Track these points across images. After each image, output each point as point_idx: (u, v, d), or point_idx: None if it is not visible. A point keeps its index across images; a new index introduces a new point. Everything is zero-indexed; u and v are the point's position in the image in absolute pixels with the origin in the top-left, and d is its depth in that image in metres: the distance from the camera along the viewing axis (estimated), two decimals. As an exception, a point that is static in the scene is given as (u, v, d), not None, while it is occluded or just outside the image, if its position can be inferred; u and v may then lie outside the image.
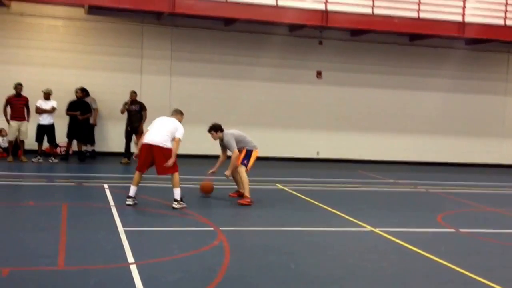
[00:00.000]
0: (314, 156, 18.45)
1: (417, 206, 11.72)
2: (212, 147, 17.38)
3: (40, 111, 14.69)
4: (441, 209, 11.35)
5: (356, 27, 17.02)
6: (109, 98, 16.10)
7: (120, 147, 15.65)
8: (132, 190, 9.76)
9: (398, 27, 16.75)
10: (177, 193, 9.79)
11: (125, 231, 7.96)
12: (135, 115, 15.24)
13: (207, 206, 10.28)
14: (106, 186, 11.51)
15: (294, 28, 17.35)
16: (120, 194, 10.51)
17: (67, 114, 15.12)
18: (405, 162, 18.92)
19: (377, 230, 8.93)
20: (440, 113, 19.36)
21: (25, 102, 14.71)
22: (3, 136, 15.23)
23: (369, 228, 9.10)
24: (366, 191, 13.44)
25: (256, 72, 17.78)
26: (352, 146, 18.73)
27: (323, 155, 18.51)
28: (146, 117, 15.23)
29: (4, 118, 14.75)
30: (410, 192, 13.74)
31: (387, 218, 10.04)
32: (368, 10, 16.39)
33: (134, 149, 15.30)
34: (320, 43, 18.11)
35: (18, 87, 14.64)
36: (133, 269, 6.36)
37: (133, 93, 15.41)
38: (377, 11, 16.42)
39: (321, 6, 16.03)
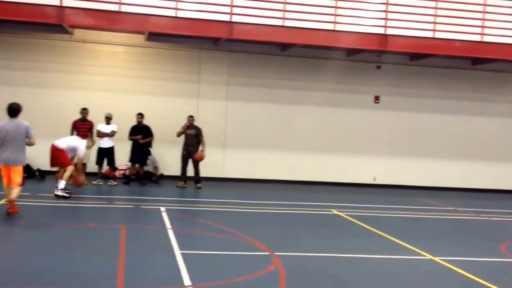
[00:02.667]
0: (371, 181, 18.14)
1: (479, 235, 11.33)
2: (267, 171, 17.49)
3: (101, 134, 15.02)
4: (505, 238, 10.94)
5: (416, 51, 16.75)
6: (166, 122, 16.31)
7: (176, 170, 15.79)
8: None
9: (459, 51, 16.35)
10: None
11: (181, 253, 7.98)
12: (191, 139, 15.39)
13: (262, 230, 10.20)
14: (162, 209, 11.60)
15: (351, 52, 17.23)
16: (176, 217, 10.55)
17: (130, 139, 15.40)
18: (465, 188, 18.37)
19: (436, 259, 8.65)
20: (501, 139, 18.75)
21: (89, 126, 15.07)
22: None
23: (428, 256, 8.84)
24: (425, 218, 13.07)
25: (312, 96, 17.72)
26: (410, 172, 18.33)
27: (380, 180, 18.17)
28: (204, 142, 15.37)
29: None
30: (471, 220, 13.30)
31: (447, 247, 9.74)
32: (429, 34, 16.10)
33: (190, 173, 15.51)
34: (378, 67, 17.92)
35: (84, 112, 15.06)
36: (189, 292, 6.34)
37: (191, 118, 15.58)
38: (437, 35, 16.10)
39: (380, 30, 15.86)
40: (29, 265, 7.13)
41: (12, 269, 6.96)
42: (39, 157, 15.93)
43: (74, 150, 12.67)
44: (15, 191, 9.76)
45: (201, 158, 15.26)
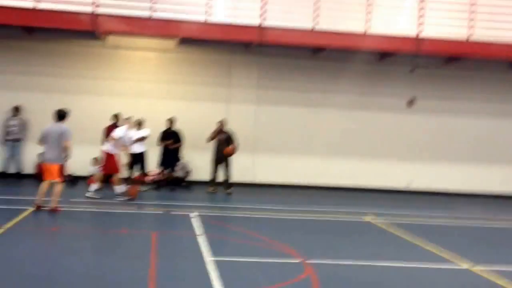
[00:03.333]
0: (405, 187, 17.83)
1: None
2: (298, 175, 17.32)
3: (134, 140, 15.06)
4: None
5: (451, 54, 16.43)
6: (197, 127, 16.29)
7: (206, 175, 15.77)
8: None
9: (496, 53, 15.99)
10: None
11: (212, 260, 7.92)
12: (223, 144, 15.35)
13: (293, 237, 10.07)
14: (192, 214, 11.55)
15: (384, 55, 16.99)
16: (206, 223, 10.49)
17: (160, 144, 15.43)
18: (503, 195, 17.90)
19: (475, 269, 8.42)
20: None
21: (121, 132, 15.18)
22: (97, 165, 15.68)
23: (466, 265, 8.61)
24: (462, 226, 12.75)
25: (344, 100, 17.50)
26: (445, 177, 17.94)
27: (414, 186, 17.85)
28: (236, 146, 15.33)
29: (99, 148, 15.21)
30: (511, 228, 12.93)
31: (486, 256, 9.46)
32: (464, 36, 15.76)
33: (221, 177, 15.47)
34: (412, 70, 17.59)
35: (116, 117, 15.19)
36: (220, 300, 6.28)
37: (221, 122, 15.54)
38: (473, 37, 15.76)
39: (414, 33, 15.60)
40: (62, 271, 7.17)
41: (46, 274, 7.00)
42: (72, 161, 16.10)
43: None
44: (55, 191, 11.02)
45: (232, 152, 15.24)
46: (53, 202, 11.06)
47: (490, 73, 17.82)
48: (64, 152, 11.16)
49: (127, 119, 14.82)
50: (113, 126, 15.14)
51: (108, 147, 13.35)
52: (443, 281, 7.89)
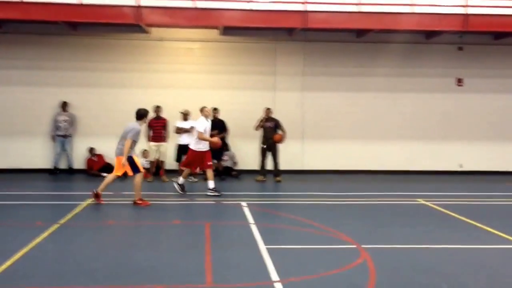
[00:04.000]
0: (457, 168, 17.43)
1: None
2: (348, 161, 17.13)
3: (179, 131, 15.15)
4: None
5: (500, 30, 15.91)
6: (244, 116, 16.26)
7: (255, 164, 15.74)
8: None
9: (548, 26, 15.43)
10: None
11: (266, 248, 7.89)
12: (270, 132, 15.27)
13: (346, 222, 9.94)
14: (244, 204, 11.54)
15: (431, 34, 16.58)
16: (258, 212, 10.46)
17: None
18: None
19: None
20: None
21: (163, 123, 15.29)
22: (146, 157, 15.85)
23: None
24: (519, 205, 12.40)
25: (390, 83, 17.20)
26: (498, 157, 17.48)
27: (467, 167, 17.43)
28: (285, 131, 15.24)
29: (146, 140, 15.38)
30: None
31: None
32: (513, 11, 15.27)
33: (270, 166, 15.41)
34: (460, 48, 17.14)
35: (157, 109, 15.27)
36: (278, 287, 6.29)
37: (268, 110, 15.47)
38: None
39: (461, 10, 15.17)
40: (120, 263, 7.24)
41: (104, 267, 7.08)
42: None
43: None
44: (134, 183, 11.38)
45: (280, 139, 15.16)
46: (135, 195, 11.35)
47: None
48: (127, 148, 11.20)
49: (183, 112, 15.18)
50: (155, 119, 15.23)
51: (193, 143, 12.82)
52: (507, 261, 7.63)
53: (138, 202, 11.29)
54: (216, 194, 12.56)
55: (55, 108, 16.32)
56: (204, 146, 12.71)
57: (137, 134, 11.34)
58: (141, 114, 11.66)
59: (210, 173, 12.74)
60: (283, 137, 15.18)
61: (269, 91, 16.97)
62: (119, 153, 11.31)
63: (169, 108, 15.74)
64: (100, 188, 11.44)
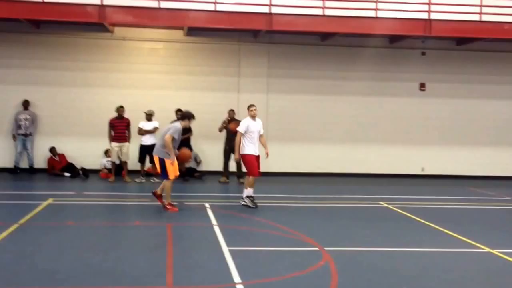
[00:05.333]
0: (419, 172, 17.66)
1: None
2: (311, 164, 17.18)
3: (142, 132, 15.00)
4: None
5: (462, 35, 16.21)
6: (207, 117, 16.16)
7: (218, 166, 15.68)
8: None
9: (508, 33, 15.74)
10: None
11: (229, 250, 7.83)
12: (233, 134, 15.20)
13: (310, 225, 9.96)
14: (207, 205, 11.47)
15: (394, 39, 16.79)
16: (221, 213, 10.40)
17: (169, 134, 15.31)
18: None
19: (495, 251, 8.27)
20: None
21: (126, 124, 15.11)
22: (108, 157, 15.65)
23: (485, 249, 8.45)
24: (478, 209, 12.62)
25: (356, 86, 17.36)
26: (459, 161, 17.80)
27: (428, 171, 17.69)
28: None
29: (108, 141, 15.18)
30: (528, 209, 12.77)
31: (504, 239, 9.30)
32: (475, 17, 15.54)
33: (233, 167, 15.35)
34: (423, 53, 17.39)
35: (120, 109, 15.08)
36: (240, 289, 6.19)
37: (231, 112, 15.42)
38: (484, 18, 15.54)
39: (424, 15, 15.38)
40: (79, 265, 7.09)
41: (64, 268, 6.93)
42: (82, 156, 16.14)
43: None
44: (162, 184, 10.87)
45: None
46: (165, 198, 10.90)
47: (502, 54, 17.60)
48: (164, 147, 10.65)
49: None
50: (117, 119, 15.05)
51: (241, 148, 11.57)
52: (465, 265, 7.74)
53: (167, 206, 10.78)
54: (252, 206, 11.32)
55: (17, 107, 15.97)
56: (252, 149, 11.46)
57: (176, 131, 10.66)
58: (182, 116, 11.22)
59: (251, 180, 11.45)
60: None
61: (233, 93, 16.94)
62: (156, 153, 10.88)
63: (132, 108, 15.54)
64: (165, 198, 10.92)
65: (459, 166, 17.75)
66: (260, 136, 11.69)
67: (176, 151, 10.80)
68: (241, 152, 11.48)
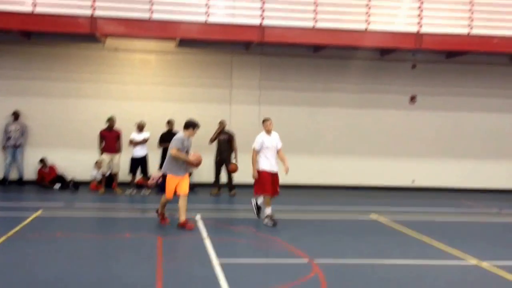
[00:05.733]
0: (409, 184, 17.72)
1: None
2: (303, 175, 17.19)
3: (133, 143, 14.97)
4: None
5: (452, 49, 16.33)
6: (199, 128, 16.14)
7: (209, 177, 15.67)
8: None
9: (497, 47, 15.88)
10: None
11: (219, 262, 7.84)
12: (224, 145, 15.24)
13: (299, 237, 9.97)
14: (197, 217, 11.44)
15: (385, 52, 16.89)
16: (212, 225, 10.39)
17: (160, 146, 15.32)
18: (509, 190, 17.81)
19: (483, 264, 8.31)
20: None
21: (116, 135, 15.07)
22: (99, 169, 15.59)
23: (475, 261, 8.49)
24: (467, 221, 12.68)
25: (346, 98, 17.42)
26: (449, 174, 17.84)
27: (419, 183, 17.74)
28: (236, 147, 15.22)
29: (98, 152, 15.14)
30: (517, 222, 12.85)
31: (494, 251, 9.37)
32: (465, 31, 15.68)
33: (224, 179, 15.34)
34: (414, 66, 17.51)
35: (111, 121, 15.04)
36: (229, 303, 6.18)
37: (222, 123, 15.43)
38: (474, 31, 15.68)
39: (414, 28, 15.51)
40: (67, 276, 7.07)
41: (53, 279, 6.92)
42: (72, 167, 16.09)
43: None
44: (179, 204, 10.40)
45: (236, 170, 14.86)
46: (179, 215, 10.38)
47: (492, 67, 17.73)
48: (170, 162, 10.32)
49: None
50: (107, 130, 15.01)
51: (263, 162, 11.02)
52: (454, 277, 7.77)
53: (182, 224, 10.28)
54: (270, 224, 10.80)
55: (7, 118, 15.92)
56: (267, 166, 10.94)
57: (179, 141, 10.31)
58: (185, 125, 10.64)
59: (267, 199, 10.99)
60: (237, 167, 14.80)
61: (225, 104, 16.96)
62: (164, 169, 10.59)
63: (124, 119, 15.53)
64: (181, 216, 10.38)
65: (449, 178, 17.81)
66: (278, 150, 11.18)
67: (189, 158, 10.41)
68: (256, 168, 10.95)
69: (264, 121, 11.32)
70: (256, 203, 11.30)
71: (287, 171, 10.94)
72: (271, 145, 10.99)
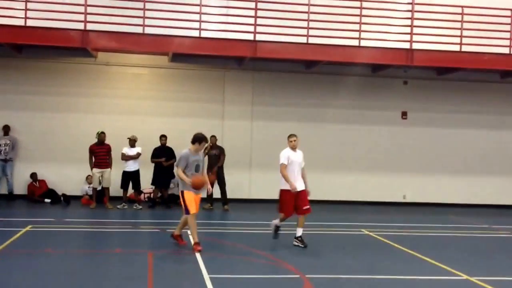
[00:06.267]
0: (401, 200, 17.75)
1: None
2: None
3: (126, 158, 14.93)
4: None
5: (443, 65, 16.47)
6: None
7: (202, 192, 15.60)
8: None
9: (487, 64, 16.05)
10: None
11: (210, 278, 7.79)
12: (215, 160, 15.24)
13: (291, 252, 9.94)
14: (189, 232, 11.36)
15: (377, 68, 17.00)
16: (204, 241, 10.35)
17: (152, 161, 15.28)
18: (498, 205, 17.89)
19: (473, 279, 8.31)
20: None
21: (107, 150, 15.01)
22: (90, 183, 15.53)
23: (464, 276, 8.50)
24: (458, 236, 12.69)
25: (339, 114, 17.49)
26: (440, 189, 17.91)
27: (410, 199, 17.78)
28: (223, 161, 15.20)
29: (90, 167, 15.06)
30: (507, 238, 12.86)
31: (483, 266, 9.42)
32: (455, 48, 15.83)
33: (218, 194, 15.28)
34: (405, 82, 17.63)
35: (101, 135, 15.00)
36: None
37: (213, 138, 15.42)
38: (464, 48, 15.83)
39: (406, 45, 15.64)
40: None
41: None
42: (63, 182, 16.01)
43: None
44: (181, 222, 10.11)
45: (214, 180, 14.31)
46: (192, 237, 9.85)
47: (482, 84, 17.88)
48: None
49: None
50: (97, 145, 14.94)
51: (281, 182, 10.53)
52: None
53: (195, 247, 9.58)
54: (302, 245, 10.31)
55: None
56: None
57: (182, 159, 9.73)
58: (193, 139, 10.00)
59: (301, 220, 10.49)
60: (215, 179, 14.48)
61: (218, 119, 16.97)
62: (180, 188, 9.93)
63: (116, 134, 15.48)
64: (193, 238, 9.79)
65: (440, 194, 17.86)
66: (302, 169, 10.61)
67: (188, 180, 9.57)
68: (280, 187, 10.43)
69: (289, 136, 10.77)
70: (276, 225, 10.55)
71: (308, 194, 10.52)
72: (295, 161, 10.48)
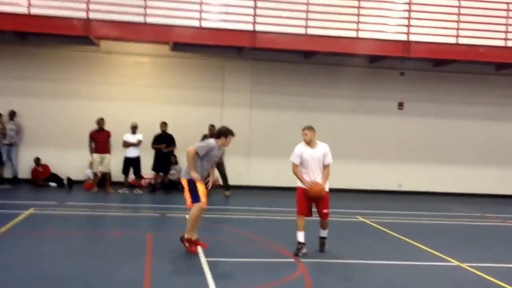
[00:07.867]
0: (396, 188, 18.05)
1: (508, 241, 11.18)
2: (292, 178, 17.40)
3: (127, 144, 15.21)
4: (534, 244, 10.78)
5: (439, 57, 16.69)
6: (191, 131, 16.38)
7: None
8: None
9: (483, 56, 16.27)
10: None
11: (207, 261, 8.04)
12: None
13: (287, 237, 10.17)
14: (188, 217, 11.63)
15: (374, 59, 17.22)
16: (202, 225, 10.61)
17: (153, 147, 15.56)
18: (492, 195, 18.19)
19: (464, 265, 8.57)
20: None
21: (106, 136, 15.29)
22: (91, 169, 15.79)
23: (455, 262, 8.75)
24: (451, 224, 12.94)
25: (336, 103, 17.73)
26: (435, 178, 18.19)
27: (405, 187, 18.07)
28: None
29: (89, 152, 15.33)
30: (499, 226, 13.16)
31: (475, 253, 9.64)
32: (452, 40, 16.05)
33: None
34: (402, 74, 17.87)
35: (101, 121, 15.27)
36: (216, 299, 6.35)
37: (212, 127, 15.64)
38: (461, 41, 16.05)
39: (403, 37, 15.85)
40: (58, 273, 7.23)
41: (43, 276, 7.08)
42: (66, 167, 16.28)
43: None
44: (189, 216, 8.89)
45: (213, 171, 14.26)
46: (186, 230, 8.87)
47: (478, 76, 18.10)
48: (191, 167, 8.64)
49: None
50: (97, 131, 15.15)
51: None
52: (436, 279, 7.99)
53: (186, 242, 8.77)
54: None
55: (3, 117, 16.08)
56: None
57: (203, 147, 8.71)
58: (216, 133, 9.07)
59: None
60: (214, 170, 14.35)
61: (217, 107, 17.22)
62: (183, 175, 8.88)
63: (117, 121, 15.76)
64: (186, 231, 8.91)
65: (434, 183, 18.16)
66: (324, 167, 9.43)
67: (197, 175, 8.64)
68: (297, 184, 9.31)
69: (302, 129, 9.56)
70: (298, 241, 8.97)
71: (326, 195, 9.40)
72: (311, 158, 9.26)
